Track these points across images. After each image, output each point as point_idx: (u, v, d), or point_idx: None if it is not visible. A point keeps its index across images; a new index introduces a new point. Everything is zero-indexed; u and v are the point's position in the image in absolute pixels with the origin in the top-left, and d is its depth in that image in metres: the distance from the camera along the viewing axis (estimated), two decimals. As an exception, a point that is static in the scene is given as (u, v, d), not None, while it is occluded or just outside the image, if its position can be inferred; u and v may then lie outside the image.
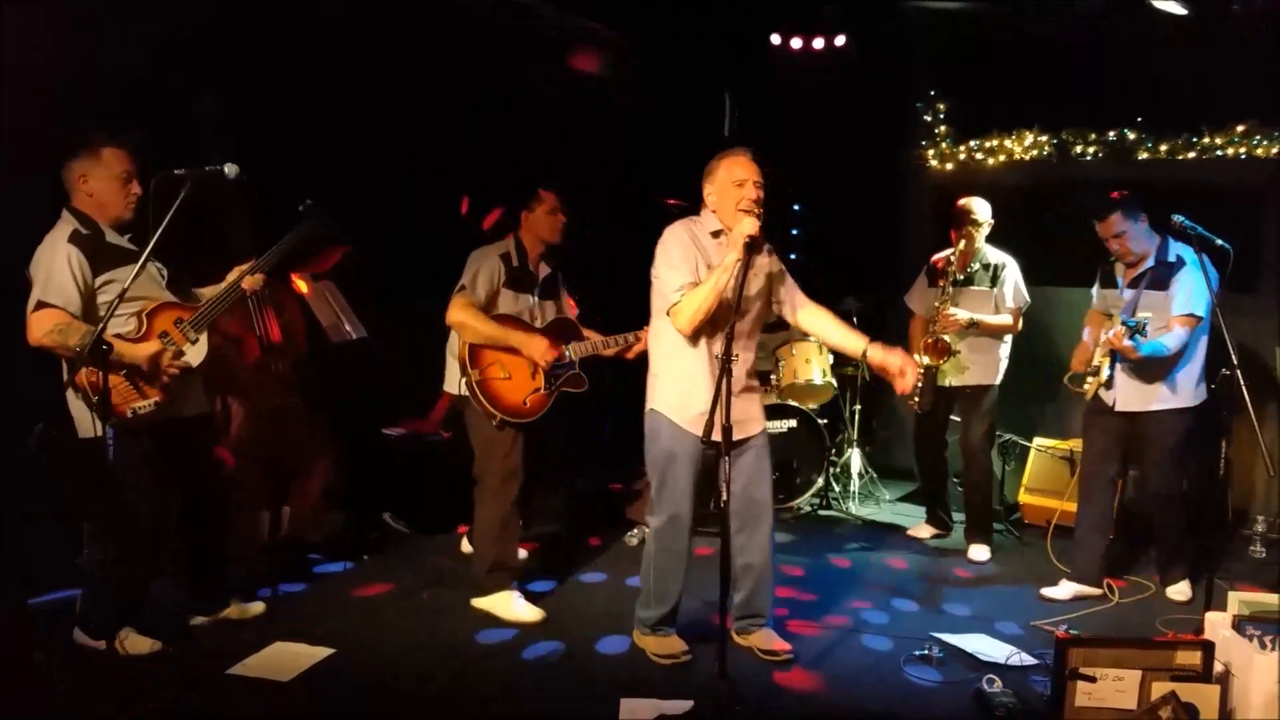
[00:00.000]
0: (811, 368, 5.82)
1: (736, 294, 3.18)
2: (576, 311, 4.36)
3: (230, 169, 3.21)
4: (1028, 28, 6.18)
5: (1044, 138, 6.35)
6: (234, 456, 4.22)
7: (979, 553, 4.97)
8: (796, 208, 7.80)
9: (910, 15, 6.54)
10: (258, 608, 3.86)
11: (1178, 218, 3.77)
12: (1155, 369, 4.13)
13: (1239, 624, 3.07)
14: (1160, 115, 5.90)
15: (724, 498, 2.94)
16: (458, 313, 3.87)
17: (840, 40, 6.97)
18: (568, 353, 4.05)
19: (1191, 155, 5.83)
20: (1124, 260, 4.29)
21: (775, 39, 7.00)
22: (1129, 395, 4.23)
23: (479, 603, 3.98)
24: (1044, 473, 5.64)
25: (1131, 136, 6.02)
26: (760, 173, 3.41)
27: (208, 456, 3.79)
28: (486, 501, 3.95)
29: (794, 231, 7.83)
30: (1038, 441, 5.74)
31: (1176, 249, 4.11)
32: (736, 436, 3.34)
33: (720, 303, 3.28)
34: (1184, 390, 4.15)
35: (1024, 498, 5.64)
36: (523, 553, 4.72)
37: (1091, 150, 6.19)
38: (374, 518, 5.12)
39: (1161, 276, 4.17)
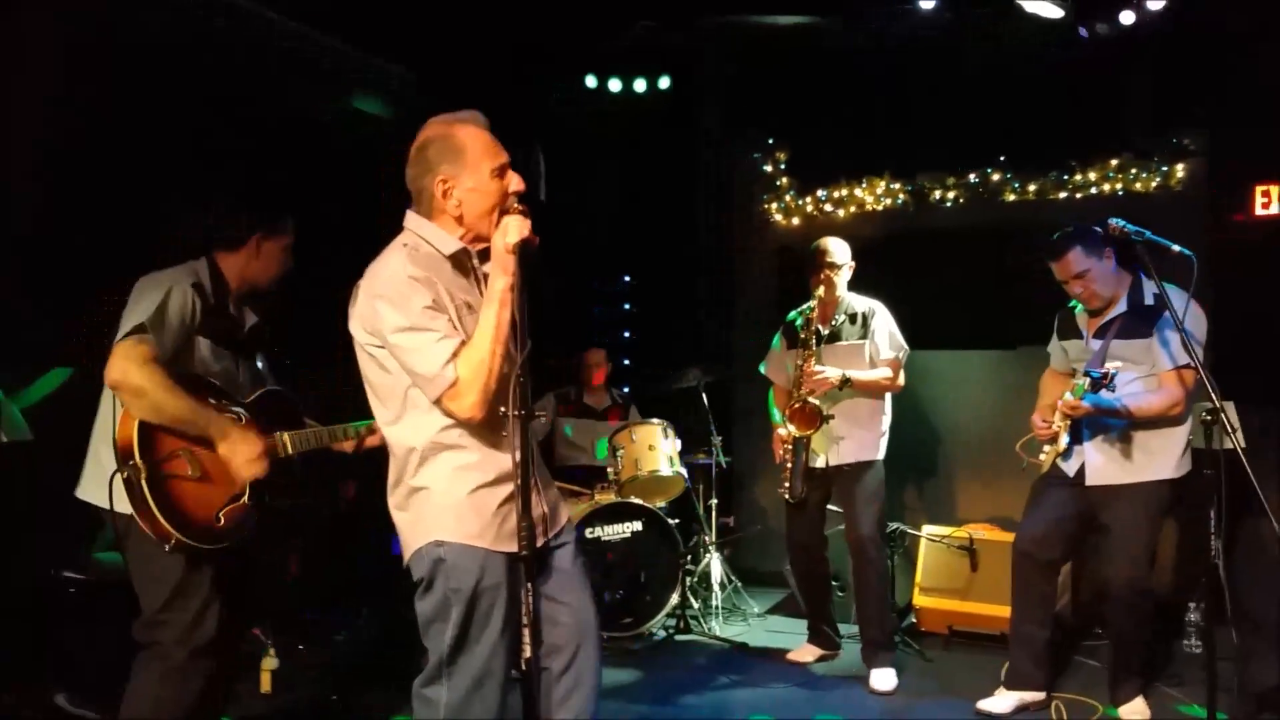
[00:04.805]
0: (656, 456, 4.71)
1: (520, 332, 2.03)
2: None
3: None
4: (863, 62, 5.51)
5: (897, 185, 5.66)
6: None
7: (883, 679, 3.87)
8: (627, 279, 6.89)
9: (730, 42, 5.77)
10: None
11: (1116, 222, 2.96)
12: (1137, 432, 3.36)
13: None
14: (1024, 153, 5.28)
15: (527, 654, 1.68)
16: (134, 370, 2.40)
17: (664, 83, 6.14)
18: (286, 446, 2.67)
19: (1063, 195, 5.21)
20: (1089, 306, 3.51)
21: (591, 81, 6.10)
22: (1102, 465, 3.41)
23: None
24: (939, 568, 4.64)
25: (995, 178, 5.37)
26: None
27: None
28: (152, 674, 2.54)
29: (625, 306, 6.89)
30: (928, 530, 4.75)
31: (1153, 288, 3.24)
32: (551, 531, 2.32)
33: (506, 353, 2.11)
34: (1168, 458, 3.35)
35: (920, 600, 4.62)
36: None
37: (952, 195, 5.51)
38: (43, 700, 3.58)
39: (1138, 323, 3.38)
